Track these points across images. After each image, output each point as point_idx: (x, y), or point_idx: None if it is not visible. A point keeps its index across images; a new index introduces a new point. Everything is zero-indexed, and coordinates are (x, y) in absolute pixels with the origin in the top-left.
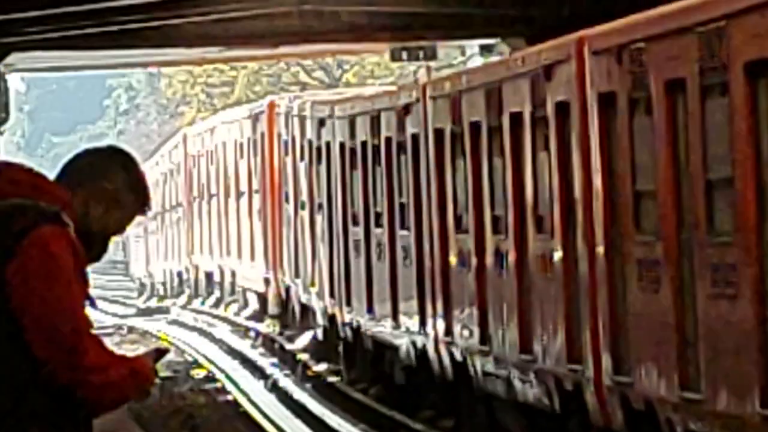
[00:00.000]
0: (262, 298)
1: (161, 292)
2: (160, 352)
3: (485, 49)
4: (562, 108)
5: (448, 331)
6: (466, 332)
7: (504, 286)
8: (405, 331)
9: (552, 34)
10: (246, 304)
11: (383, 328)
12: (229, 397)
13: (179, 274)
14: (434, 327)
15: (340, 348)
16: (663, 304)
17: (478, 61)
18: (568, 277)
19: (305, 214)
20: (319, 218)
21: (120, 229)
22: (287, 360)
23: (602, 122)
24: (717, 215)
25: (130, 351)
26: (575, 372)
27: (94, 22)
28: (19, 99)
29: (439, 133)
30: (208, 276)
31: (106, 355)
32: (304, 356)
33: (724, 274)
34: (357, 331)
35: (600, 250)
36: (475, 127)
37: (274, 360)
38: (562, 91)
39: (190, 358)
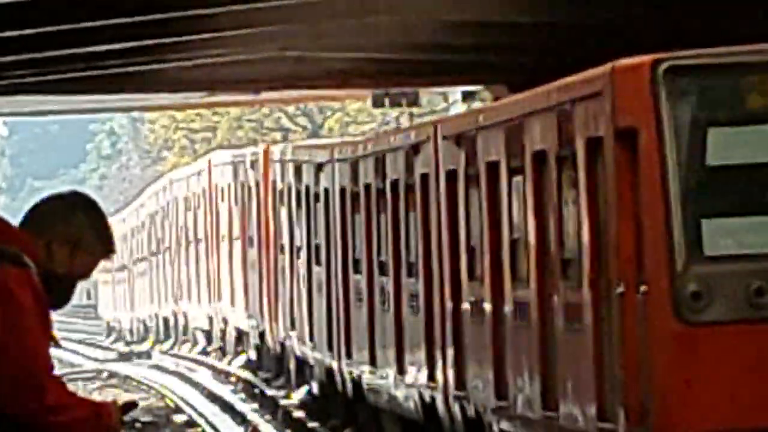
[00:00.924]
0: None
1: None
2: (129, 405)
3: (468, 96)
4: (425, 179)
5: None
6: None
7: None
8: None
9: (535, 82)
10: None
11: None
12: None
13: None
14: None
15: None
16: (485, 333)
17: (460, 108)
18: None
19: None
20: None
21: (85, 274)
22: (267, 405)
23: (448, 192)
24: (518, 264)
25: (110, 396)
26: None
27: (76, 66)
28: (0, 143)
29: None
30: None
31: (68, 396)
32: (295, 411)
33: (524, 310)
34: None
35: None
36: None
37: (255, 405)
38: (424, 166)
39: (171, 404)
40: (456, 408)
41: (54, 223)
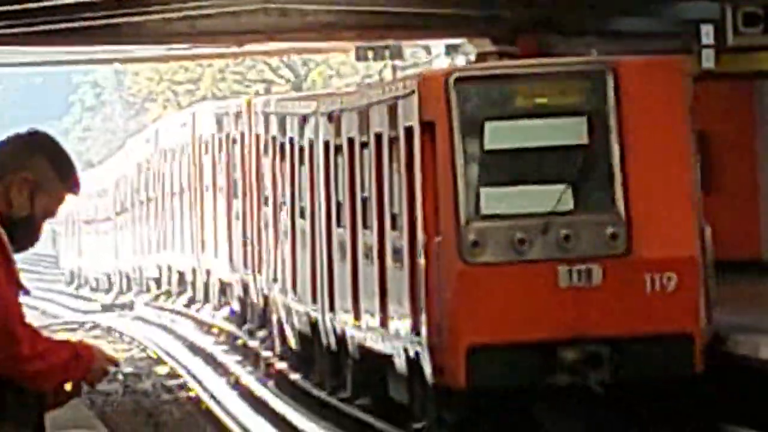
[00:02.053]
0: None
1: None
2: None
3: (451, 49)
4: (310, 146)
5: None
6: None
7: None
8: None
9: (517, 35)
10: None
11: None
12: (192, 394)
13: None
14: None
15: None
16: (346, 269)
17: (443, 61)
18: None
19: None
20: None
21: (49, 214)
22: (249, 356)
23: (326, 159)
24: (368, 216)
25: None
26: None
27: (59, 18)
28: None
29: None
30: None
31: (42, 342)
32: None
33: (369, 252)
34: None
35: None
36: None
37: (238, 357)
38: (311, 134)
39: (153, 355)
40: (329, 324)
41: (11, 166)
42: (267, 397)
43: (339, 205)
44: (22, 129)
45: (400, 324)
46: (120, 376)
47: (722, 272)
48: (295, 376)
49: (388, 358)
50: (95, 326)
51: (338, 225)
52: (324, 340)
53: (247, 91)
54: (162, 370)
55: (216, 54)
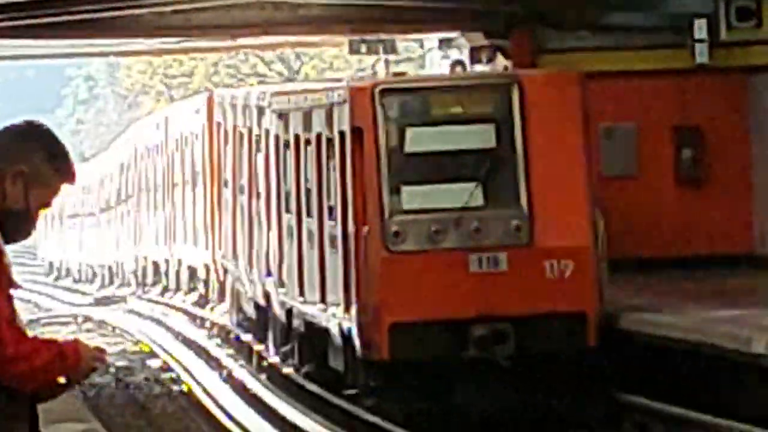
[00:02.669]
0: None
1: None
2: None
3: (444, 43)
4: (257, 139)
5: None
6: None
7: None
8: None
9: (510, 29)
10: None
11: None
12: (184, 387)
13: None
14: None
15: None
16: (293, 251)
17: (437, 55)
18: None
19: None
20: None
21: (44, 205)
22: (242, 349)
23: (276, 150)
24: (310, 205)
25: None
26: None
27: (53, 11)
28: None
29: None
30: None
31: (27, 343)
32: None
33: (312, 237)
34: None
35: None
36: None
37: (230, 350)
38: (257, 129)
39: (146, 348)
40: (279, 298)
41: (5, 158)
42: (259, 390)
43: (288, 193)
44: (15, 120)
45: (336, 302)
46: (112, 369)
47: (714, 266)
48: (287, 370)
49: (327, 331)
50: (87, 319)
51: (287, 211)
52: (276, 311)
53: (241, 85)
54: (155, 363)
55: (209, 48)
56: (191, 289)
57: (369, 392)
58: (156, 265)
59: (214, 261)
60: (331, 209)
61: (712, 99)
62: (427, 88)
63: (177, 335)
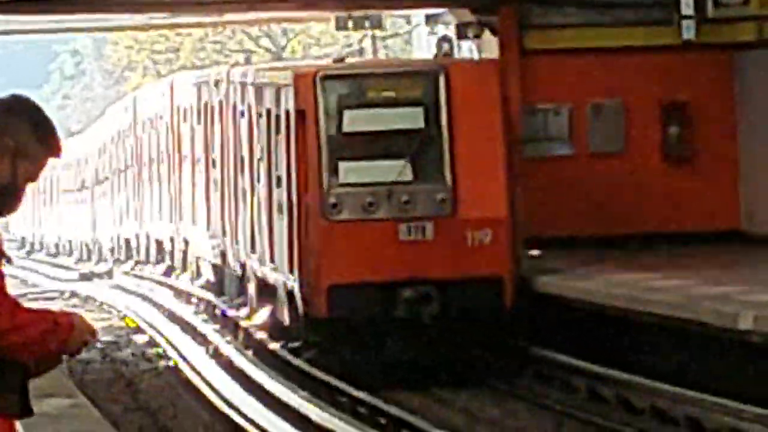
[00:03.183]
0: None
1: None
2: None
3: (431, 19)
4: (220, 108)
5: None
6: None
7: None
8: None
9: (497, 5)
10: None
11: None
12: (171, 363)
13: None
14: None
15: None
16: (246, 214)
17: (424, 31)
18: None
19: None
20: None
21: (31, 179)
22: (228, 325)
23: (234, 120)
24: (261, 173)
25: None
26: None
27: None
28: None
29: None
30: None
31: (22, 314)
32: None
33: (261, 203)
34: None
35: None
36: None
37: (215, 326)
38: (216, 100)
39: (132, 324)
40: (234, 254)
41: None
42: (245, 366)
43: (242, 160)
44: (2, 95)
45: (282, 263)
46: (99, 345)
47: (701, 243)
48: (274, 345)
49: (275, 287)
50: (74, 295)
51: (241, 177)
52: (231, 267)
53: (227, 61)
54: (141, 338)
55: (196, 23)
56: (158, 261)
57: (309, 346)
58: (128, 241)
59: (177, 233)
60: (279, 179)
61: (699, 76)
62: (363, 74)
63: (163, 310)
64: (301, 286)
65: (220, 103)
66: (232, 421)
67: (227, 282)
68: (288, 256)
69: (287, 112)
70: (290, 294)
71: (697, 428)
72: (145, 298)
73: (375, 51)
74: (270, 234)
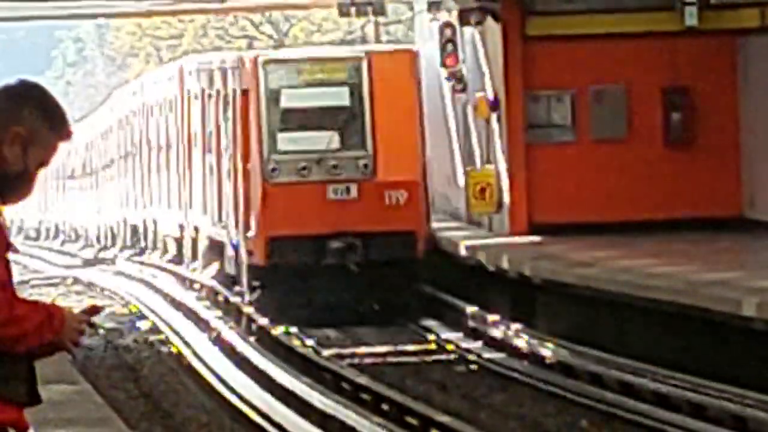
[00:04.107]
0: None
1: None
2: (93, 310)
3: (433, 5)
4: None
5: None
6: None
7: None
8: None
9: None
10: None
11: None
12: (173, 350)
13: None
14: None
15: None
16: (199, 185)
17: (426, 17)
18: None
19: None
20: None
21: (42, 165)
22: (231, 312)
23: (203, 106)
24: (211, 145)
25: (75, 302)
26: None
27: None
28: None
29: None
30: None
31: (19, 307)
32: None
33: (212, 169)
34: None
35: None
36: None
37: (218, 312)
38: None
39: (135, 310)
40: (189, 222)
41: (2, 120)
42: (247, 352)
43: (195, 136)
44: (9, 81)
45: (229, 221)
46: (102, 332)
47: (703, 229)
48: (276, 332)
49: (222, 244)
50: (76, 281)
51: (195, 152)
52: (187, 233)
53: (229, 47)
54: (144, 325)
55: (198, 9)
56: (134, 244)
57: (252, 290)
58: (111, 228)
59: (148, 216)
60: (226, 149)
61: (702, 61)
62: (298, 59)
63: (165, 296)
64: (244, 240)
65: (180, 90)
66: (234, 406)
67: (184, 249)
68: (234, 214)
69: (234, 92)
70: (236, 247)
71: (701, 414)
72: (147, 284)
73: (377, 37)
74: (219, 197)
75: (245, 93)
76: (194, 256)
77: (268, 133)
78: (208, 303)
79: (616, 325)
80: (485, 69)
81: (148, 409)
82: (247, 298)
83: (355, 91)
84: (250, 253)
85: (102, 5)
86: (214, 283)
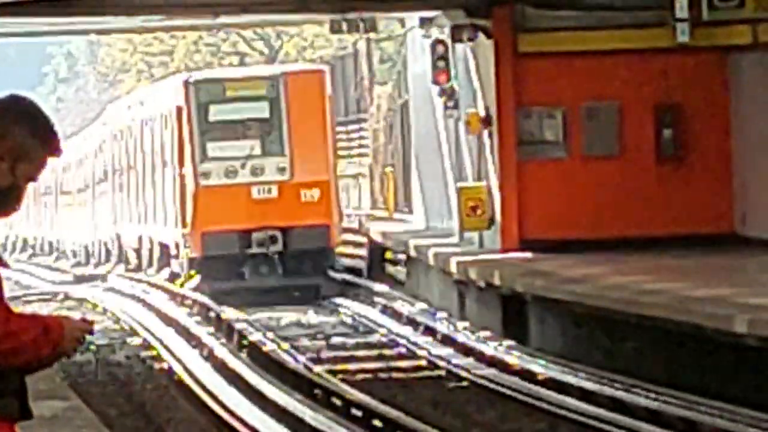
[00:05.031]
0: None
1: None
2: (86, 323)
3: (425, 22)
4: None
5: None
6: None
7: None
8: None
9: (491, 8)
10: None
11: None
12: (165, 365)
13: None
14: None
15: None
16: (150, 197)
17: (418, 34)
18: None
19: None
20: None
21: (31, 179)
22: (222, 328)
23: (153, 128)
24: (156, 161)
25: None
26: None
27: None
28: None
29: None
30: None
31: (15, 321)
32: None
33: (158, 179)
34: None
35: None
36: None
37: (210, 328)
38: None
39: (126, 326)
40: (143, 230)
41: None
42: (238, 367)
43: (147, 154)
44: (0, 95)
45: (172, 222)
46: (93, 347)
47: (695, 246)
48: (267, 348)
49: (169, 246)
50: (67, 297)
51: (145, 169)
52: (144, 243)
53: (221, 63)
54: (135, 341)
55: (190, 26)
56: (107, 260)
57: (191, 277)
58: (85, 246)
59: (115, 232)
60: (170, 160)
61: (694, 78)
62: (223, 78)
63: (157, 312)
64: (183, 236)
65: (135, 118)
66: (226, 423)
67: (142, 258)
68: (175, 216)
69: (171, 110)
70: (177, 244)
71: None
72: (139, 299)
73: (369, 53)
74: (164, 204)
75: (179, 110)
76: (150, 263)
77: (199, 142)
78: (199, 318)
79: (608, 341)
80: (477, 85)
81: (140, 424)
82: (188, 286)
83: (274, 105)
84: (188, 246)
85: (93, 21)
86: (205, 299)
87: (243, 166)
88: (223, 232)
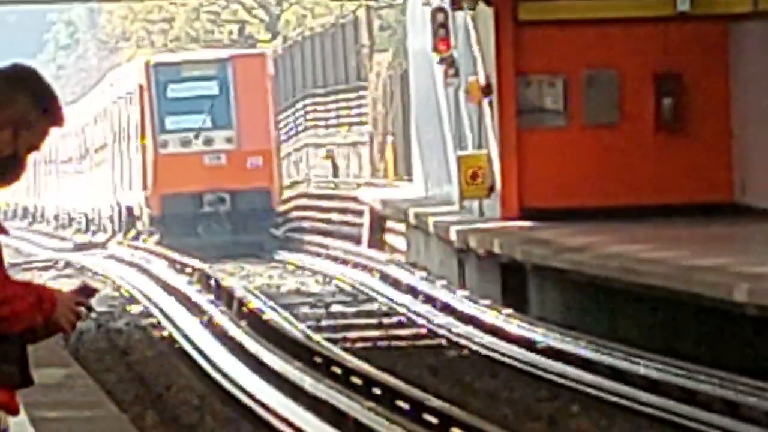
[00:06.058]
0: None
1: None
2: (87, 291)
3: None
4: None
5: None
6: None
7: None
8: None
9: None
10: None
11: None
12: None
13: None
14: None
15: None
16: (119, 166)
17: (418, 1)
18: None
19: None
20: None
21: (33, 149)
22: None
23: (121, 106)
24: (123, 134)
25: (66, 285)
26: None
27: None
28: None
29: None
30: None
31: (10, 287)
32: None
33: (125, 150)
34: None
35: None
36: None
37: (210, 296)
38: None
39: (126, 294)
40: (114, 196)
41: None
42: (237, 335)
43: (118, 131)
44: (2, 64)
45: (136, 186)
46: (93, 315)
47: (695, 215)
48: (267, 317)
49: (132, 207)
50: (68, 265)
51: (117, 143)
52: (115, 210)
53: (221, 31)
54: (135, 308)
55: None
56: (87, 228)
57: (152, 233)
58: (69, 213)
59: (95, 203)
60: (135, 132)
61: (694, 47)
62: (180, 62)
63: (154, 277)
64: (145, 198)
65: (111, 98)
66: (227, 391)
67: (113, 224)
68: (137, 181)
69: (134, 89)
70: (141, 206)
71: (692, 400)
72: (139, 267)
73: (369, 22)
74: (130, 171)
75: (141, 88)
76: (120, 228)
77: (158, 116)
78: (199, 287)
79: (608, 310)
80: (477, 54)
81: (140, 392)
82: (151, 240)
83: (222, 84)
84: (149, 206)
85: None
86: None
87: (196, 137)
88: (179, 194)
